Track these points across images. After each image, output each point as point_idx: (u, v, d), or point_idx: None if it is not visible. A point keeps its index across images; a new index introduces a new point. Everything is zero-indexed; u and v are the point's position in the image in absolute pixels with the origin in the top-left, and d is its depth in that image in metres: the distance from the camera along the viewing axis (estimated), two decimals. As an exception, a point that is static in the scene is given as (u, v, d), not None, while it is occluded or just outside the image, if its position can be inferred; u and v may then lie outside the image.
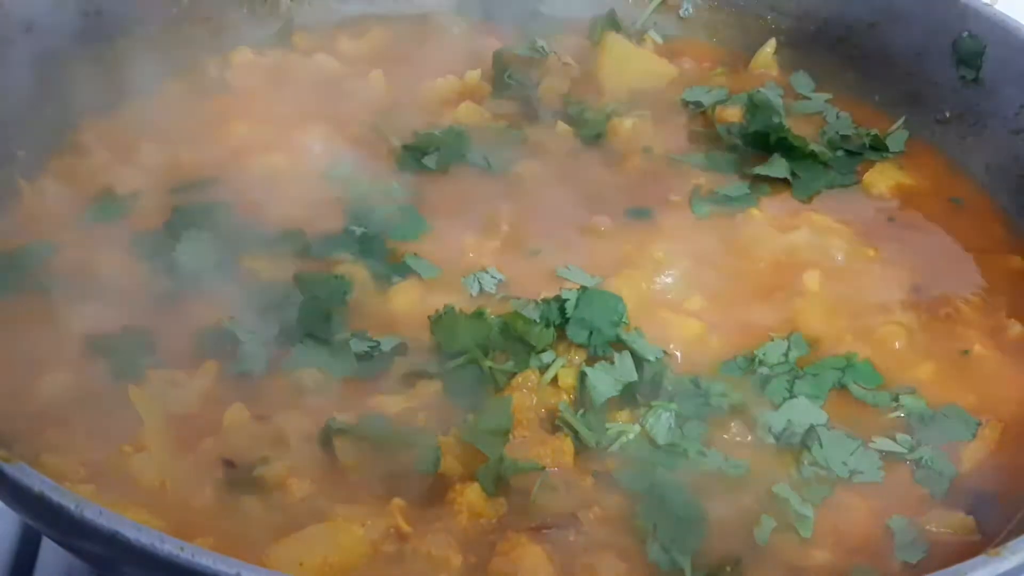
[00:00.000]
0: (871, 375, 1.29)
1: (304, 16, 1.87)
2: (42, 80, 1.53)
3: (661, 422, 1.19)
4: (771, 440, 1.21)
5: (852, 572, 1.09)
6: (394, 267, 1.37)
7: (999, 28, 1.66)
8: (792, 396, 1.25)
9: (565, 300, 1.25)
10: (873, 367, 1.30)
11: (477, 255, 1.41)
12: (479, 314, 1.26)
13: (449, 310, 1.26)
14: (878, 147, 1.70)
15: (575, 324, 1.23)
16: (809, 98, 1.81)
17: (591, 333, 1.23)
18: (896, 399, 1.27)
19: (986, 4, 1.72)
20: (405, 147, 1.59)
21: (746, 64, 1.89)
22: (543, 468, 1.11)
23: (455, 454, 1.11)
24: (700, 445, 1.19)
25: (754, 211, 1.55)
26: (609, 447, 1.17)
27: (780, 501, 1.14)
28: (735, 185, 1.60)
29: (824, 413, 1.24)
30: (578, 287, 1.31)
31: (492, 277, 1.35)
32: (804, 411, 1.23)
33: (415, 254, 1.38)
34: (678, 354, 1.29)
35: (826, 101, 1.79)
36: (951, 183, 1.67)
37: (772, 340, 1.32)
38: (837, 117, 1.76)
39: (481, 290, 1.34)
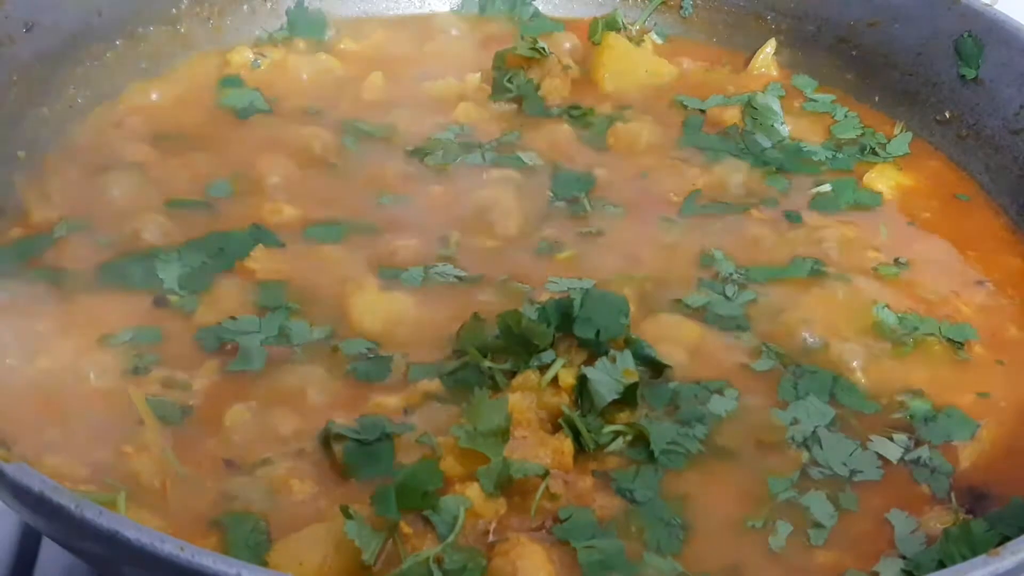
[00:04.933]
0: (855, 392, 1.28)
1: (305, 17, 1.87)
2: (42, 80, 1.53)
3: (661, 424, 1.20)
4: (776, 440, 1.21)
5: (850, 572, 1.09)
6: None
7: (999, 28, 1.66)
8: (799, 397, 1.25)
9: (571, 300, 1.25)
10: (857, 388, 1.29)
11: (475, 254, 1.42)
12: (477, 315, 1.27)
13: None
14: (877, 150, 1.70)
15: (582, 322, 1.23)
16: (815, 99, 1.81)
17: (599, 331, 1.22)
18: (901, 403, 1.27)
19: (986, 4, 1.72)
20: (407, 151, 1.59)
21: (746, 64, 1.89)
22: (547, 473, 1.11)
23: (455, 454, 1.11)
24: (700, 446, 1.19)
25: (754, 212, 1.55)
26: (607, 447, 1.17)
27: (800, 509, 1.14)
28: (736, 187, 1.60)
29: (832, 410, 1.24)
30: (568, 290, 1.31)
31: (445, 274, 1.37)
32: (813, 410, 1.23)
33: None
34: (678, 355, 1.29)
35: (832, 102, 1.80)
36: (951, 183, 1.67)
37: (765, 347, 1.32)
38: (845, 117, 1.76)
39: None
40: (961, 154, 1.70)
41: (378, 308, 1.31)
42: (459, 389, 1.21)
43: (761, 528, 1.12)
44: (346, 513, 1.02)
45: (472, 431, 1.10)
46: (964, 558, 1.04)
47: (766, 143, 1.69)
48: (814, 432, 1.21)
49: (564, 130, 1.68)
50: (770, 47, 1.88)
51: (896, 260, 1.49)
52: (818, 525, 1.13)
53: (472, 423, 1.11)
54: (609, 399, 1.18)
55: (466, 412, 1.12)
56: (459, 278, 1.37)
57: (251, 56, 1.77)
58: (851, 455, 1.19)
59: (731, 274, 1.42)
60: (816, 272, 1.44)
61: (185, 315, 1.29)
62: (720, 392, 1.25)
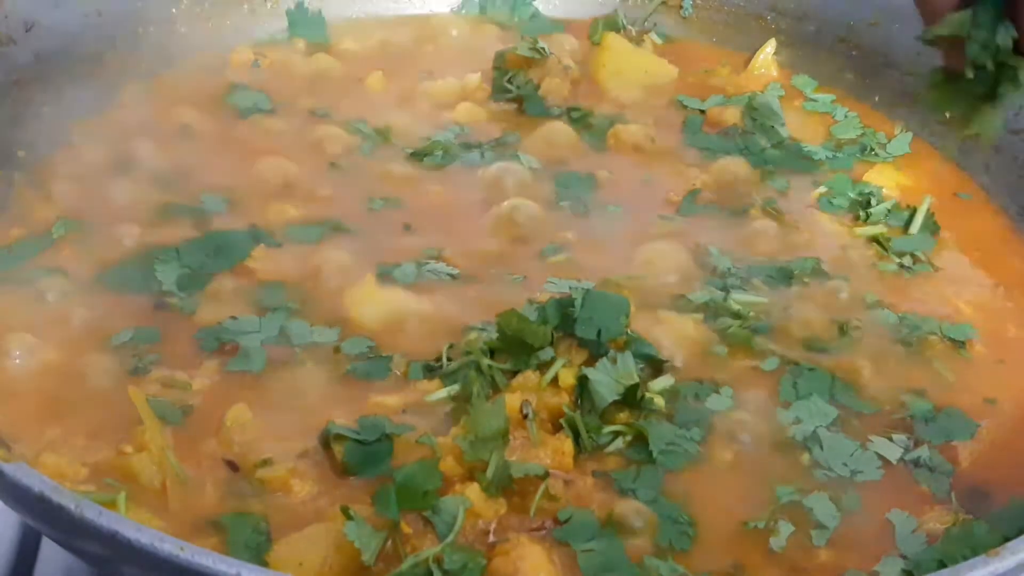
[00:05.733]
0: (854, 392, 1.28)
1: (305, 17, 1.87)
2: (42, 80, 1.53)
3: (660, 424, 1.19)
4: (777, 440, 1.21)
5: (851, 572, 1.09)
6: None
7: (999, 28, 1.66)
8: (800, 397, 1.25)
9: (572, 300, 1.25)
10: (857, 388, 1.28)
11: (476, 254, 1.42)
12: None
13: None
14: (877, 150, 1.70)
15: (583, 322, 1.23)
16: (815, 99, 1.81)
17: (599, 331, 1.22)
18: (902, 403, 1.27)
19: (986, 4, 1.72)
20: (406, 151, 1.59)
21: (746, 64, 1.89)
22: (547, 474, 1.11)
23: (455, 455, 1.11)
24: (698, 448, 1.19)
25: (754, 211, 1.55)
26: (606, 447, 1.17)
27: (803, 510, 1.14)
28: (735, 187, 1.60)
29: (834, 410, 1.24)
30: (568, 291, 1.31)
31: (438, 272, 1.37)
32: (815, 410, 1.23)
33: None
34: (679, 355, 1.29)
35: (832, 102, 1.80)
36: (951, 183, 1.67)
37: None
38: (845, 117, 1.76)
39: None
40: (961, 154, 1.70)
41: (377, 307, 1.31)
42: (459, 389, 1.21)
43: (763, 529, 1.11)
44: (346, 513, 1.02)
45: (474, 440, 1.10)
46: (964, 558, 1.03)
47: (766, 143, 1.69)
48: (814, 432, 1.21)
49: (564, 130, 1.68)
50: (770, 47, 1.88)
51: (896, 260, 1.49)
52: (821, 526, 1.12)
53: (472, 432, 1.11)
54: (610, 400, 1.18)
55: (466, 422, 1.12)
56: (451, 276, 1.37)
57: (251, 56, 1.77)
58: (851, 455, 1.19)
59: (731, 273, 1.42)
60: (816, 271, 1.44)
61: (185, 315, 1.29)
62: (717, 391, 1.25)
